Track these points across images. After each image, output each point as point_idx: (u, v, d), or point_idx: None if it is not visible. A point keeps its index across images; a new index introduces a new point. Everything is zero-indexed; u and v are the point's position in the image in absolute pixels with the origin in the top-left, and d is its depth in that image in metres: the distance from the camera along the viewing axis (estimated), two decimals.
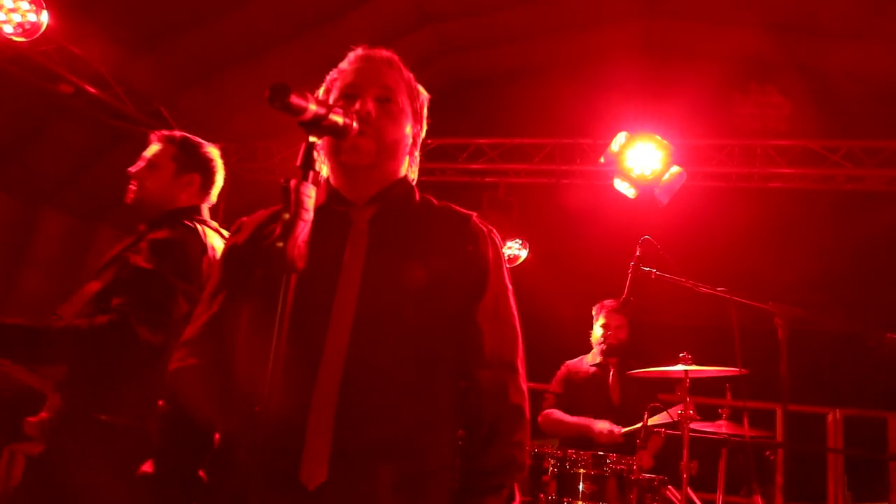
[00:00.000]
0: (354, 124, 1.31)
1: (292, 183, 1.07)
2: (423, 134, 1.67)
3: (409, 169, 1.64)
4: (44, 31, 4.84)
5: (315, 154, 1.13)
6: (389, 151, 1.53)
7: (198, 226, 2.38)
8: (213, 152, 2.56)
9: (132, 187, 2.42)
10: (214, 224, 2.50)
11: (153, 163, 2.43)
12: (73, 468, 2.11)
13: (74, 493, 2.08)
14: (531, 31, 6.86)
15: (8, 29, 4.76)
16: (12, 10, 4.77)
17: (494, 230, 1.62)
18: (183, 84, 6.46)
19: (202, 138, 2.54)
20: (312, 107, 1.13)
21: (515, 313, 1.57)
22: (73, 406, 2.17)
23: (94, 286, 2.23)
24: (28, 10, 4.77)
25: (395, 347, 1.40)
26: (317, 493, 1.29)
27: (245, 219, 1.60)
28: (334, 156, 1.50)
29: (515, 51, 7.17)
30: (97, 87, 5.75)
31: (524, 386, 1.53)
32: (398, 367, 1.39)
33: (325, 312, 1.37)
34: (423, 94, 1.65)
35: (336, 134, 1.25)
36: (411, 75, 1.62)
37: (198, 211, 2.47)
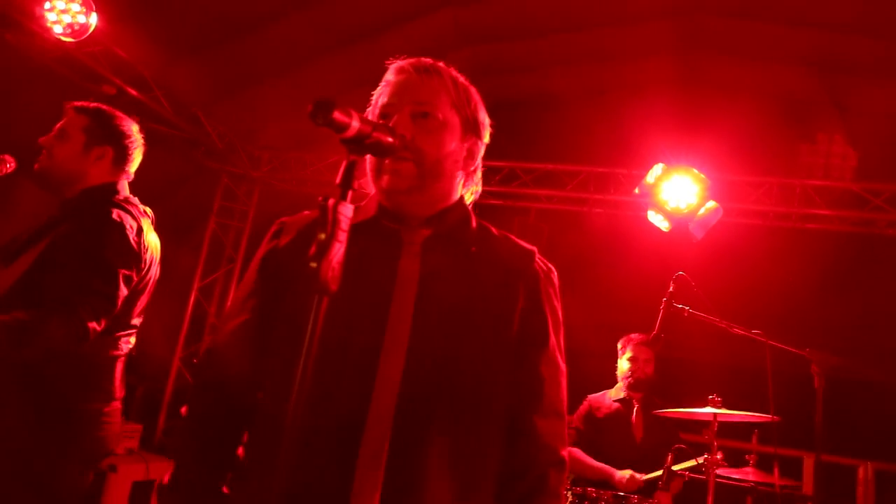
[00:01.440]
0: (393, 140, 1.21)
1: (330, 202, 1.03)
2: (485, 142, 1.53)
3: (466, 188, 1.52)
4: (91, 33, 4.94)
5: (355, 173, 1.08)
6: (434, 171, 1.40)
7: (127, 207, 2.30)
8: (131, 126, 2.43)
9: (41, 157, 2.30)
10: (136, 201, 2.39)
11: (63, 132, 2.31)
12: None
13: None
14: (571, 58, 6.84)
15: (58, 29, 4.86)
16: (63, 11, 4.88)
17: (554, 269, 1.53)
18: (221, 92, 6.54)
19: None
20: (356, 123, 1.08)
21: (564, 358, 1.51)
22: None
23: (20, 266, 2.14)
24: (78, 12, 4.88)
25: (451, 385, 1.33)
26: None
27: (287, 219, 1.51)
28: (376, 179, 1.42)
29: (555, 76, 7.15)
30: (138, 90, 5.84)
31: (566, 433, 1.49)
32: (453, 407, 1.33)
33: (376, 344, 1.31)
34: (475, 98, 1.50)
35: (380, 152, 1.20)
36: (459, 79, 1.48)
37: (114, 188, 2.35)
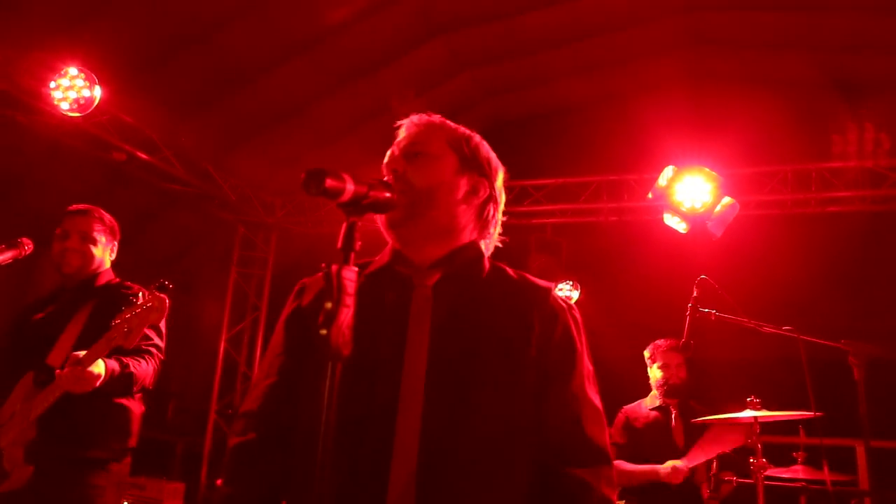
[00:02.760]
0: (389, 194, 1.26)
1: (333, 268, 1.04)
2: (496, 185, 1.55)
3: (482, 234, 1.53)
4: (97, 104, 5.05)
5: (356, 235, 1.09)
6: (426, 199, 1.44)
7: None
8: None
9: (72, 259, 2.79)
10: None
11: (87, 236, 2.83)
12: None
13: None
14: (570, 70, 6.84)
15: (65, 106, 4.99)
16: (69, 88, 5.01)
17: (574, 306, 1.52)
18: (229, 144, 6.64)
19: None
20: (350, 186, 1.10)
21: (598, 395, 1.48)
22: (52, 442, 2.44)
23: (70, 335, 2.60)
24: (83, 87, 5.00)
25: (470, 434, 1.32)
26: None
27: (307, 280, 1.55)
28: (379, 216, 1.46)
29: (555, 90, 7.16)
30: (148, 153, 5.95)
31: (614, 475, 1.45)
32: (476, 457, 1.31)
33: (393, 399, 1.32)
34: (476, 140, 1.55)
35: (380, 209, 1.22)
36: (460, 128, 1.55)
37: (113, 271, 2.95)
